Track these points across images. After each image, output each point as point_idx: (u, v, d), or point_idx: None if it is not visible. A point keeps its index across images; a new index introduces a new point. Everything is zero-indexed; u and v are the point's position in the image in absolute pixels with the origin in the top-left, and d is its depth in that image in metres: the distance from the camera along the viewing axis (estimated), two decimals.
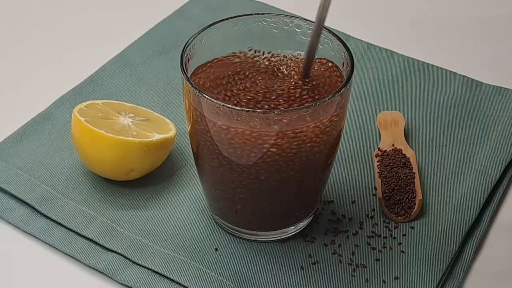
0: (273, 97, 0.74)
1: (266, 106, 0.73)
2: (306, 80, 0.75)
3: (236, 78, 0.76)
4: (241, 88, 0.75)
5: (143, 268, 0.78)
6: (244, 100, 0.74)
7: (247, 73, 0.77)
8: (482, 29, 1.06)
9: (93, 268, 0.78)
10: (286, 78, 0.76)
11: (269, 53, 0.79)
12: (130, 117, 0.85)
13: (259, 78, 0.76)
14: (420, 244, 0.80)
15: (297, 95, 0.74)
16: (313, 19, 0.74)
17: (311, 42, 0.74)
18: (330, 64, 0.77)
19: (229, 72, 0.77)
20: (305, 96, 0.74)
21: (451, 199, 0.83)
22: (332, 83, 0.76)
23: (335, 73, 0.77)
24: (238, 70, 0.77)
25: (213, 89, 0.75)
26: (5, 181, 0.84)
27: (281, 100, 0.74)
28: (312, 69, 0.76)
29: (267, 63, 0.78)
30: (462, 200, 0.83)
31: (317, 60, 0.78)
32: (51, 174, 0.85)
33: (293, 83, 0.75)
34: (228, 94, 0.74)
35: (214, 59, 0.78)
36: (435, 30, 1.06)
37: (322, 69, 0.77)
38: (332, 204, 0.83)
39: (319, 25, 0.73)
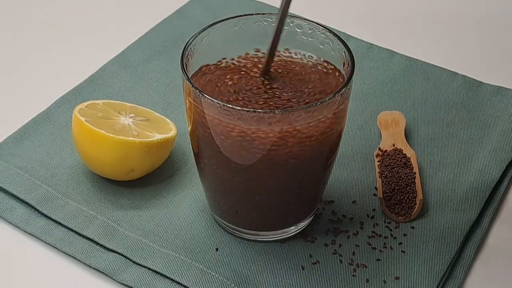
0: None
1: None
2: (266, 76, 0.75)
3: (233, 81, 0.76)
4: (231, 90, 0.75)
5: (143, 268, 0.78)
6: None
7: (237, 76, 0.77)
8: (482, 29, 1.06)
9: (94, 268, 0.78)
10: (284, 78, 0.76)
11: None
12: (131, 117, 0.85)
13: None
14: (421, 244, 0.80)
15: (288, 99, 0.74)
16: (314, 20, 0.74)
17: (274, 36, 0.74)
18: (330, 66, 0.77)
19: (228, 72, 0.77)
20: (298, 100, 0.74)
21: (452, 199, 0.83)
22: (332, 86, 0.76)
23: (335, 76, 0.77)
24: (237, 70, 0.77)
25: (212, 88, 0.75)
26: (6, 181, 0.84)
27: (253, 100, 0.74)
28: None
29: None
30: (463, 200, 0.83)
31: (316, 62, 0.78)
32: (51, 174, 0.85)
33: (286, 86, 0.75)
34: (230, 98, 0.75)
35: (217, 62, 0.78)
36: (436, 30, 1.06)
37: (323, 74, 0.77)
38: (332, 204, 0.83)
39: (283, 17, 0.73)
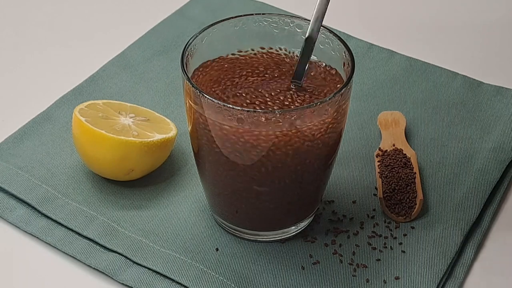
0: (266, 101, 0.74)
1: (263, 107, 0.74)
2: (299, 84, 0.75)
3: (236, 80, 0.76)
4: (239, 89, 0.75)
5: (143, 268, 0.78)
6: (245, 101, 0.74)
7: (244, 73, 0.77)
8: (482, 29, 1.06)
9: (94, 268, 0.78)
10: (282, 79, 0.76)
11: (270, 48, 0.79)
12: (131, 117, 0.85)
13: (258, 79, 0.76)
14: (421, 244, 0.80)
15: (288, 99, 0.74)
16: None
17: (307, 42, 0.73)
18: (328, 68, 0.77)
19: (228, 72, 0.77)
20: (298, 100, 0.74)
21: (452, 199, 0.83)
22: (331, 87, 0.76)
23: (333, 77, 0.77)
24: (237, 70, 0.77)
25: (212, 88, 0.75)
26: (6, 181, 0.84)
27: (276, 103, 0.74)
28: (308, 74, 0.76)
29: (268, 60, 0.78)
30: (463, 200, 0.83)
31: (315, 64, 0.78)
32: (51, 174, 0.85)
33: (285, 86, 0.75)
34: (228, 95, 0.75)
35: (216, 58, 0.78)
36: (436, 30, 1.06)
37: (322, 75, 0.77)
38: (332, 204, 0.83)
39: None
